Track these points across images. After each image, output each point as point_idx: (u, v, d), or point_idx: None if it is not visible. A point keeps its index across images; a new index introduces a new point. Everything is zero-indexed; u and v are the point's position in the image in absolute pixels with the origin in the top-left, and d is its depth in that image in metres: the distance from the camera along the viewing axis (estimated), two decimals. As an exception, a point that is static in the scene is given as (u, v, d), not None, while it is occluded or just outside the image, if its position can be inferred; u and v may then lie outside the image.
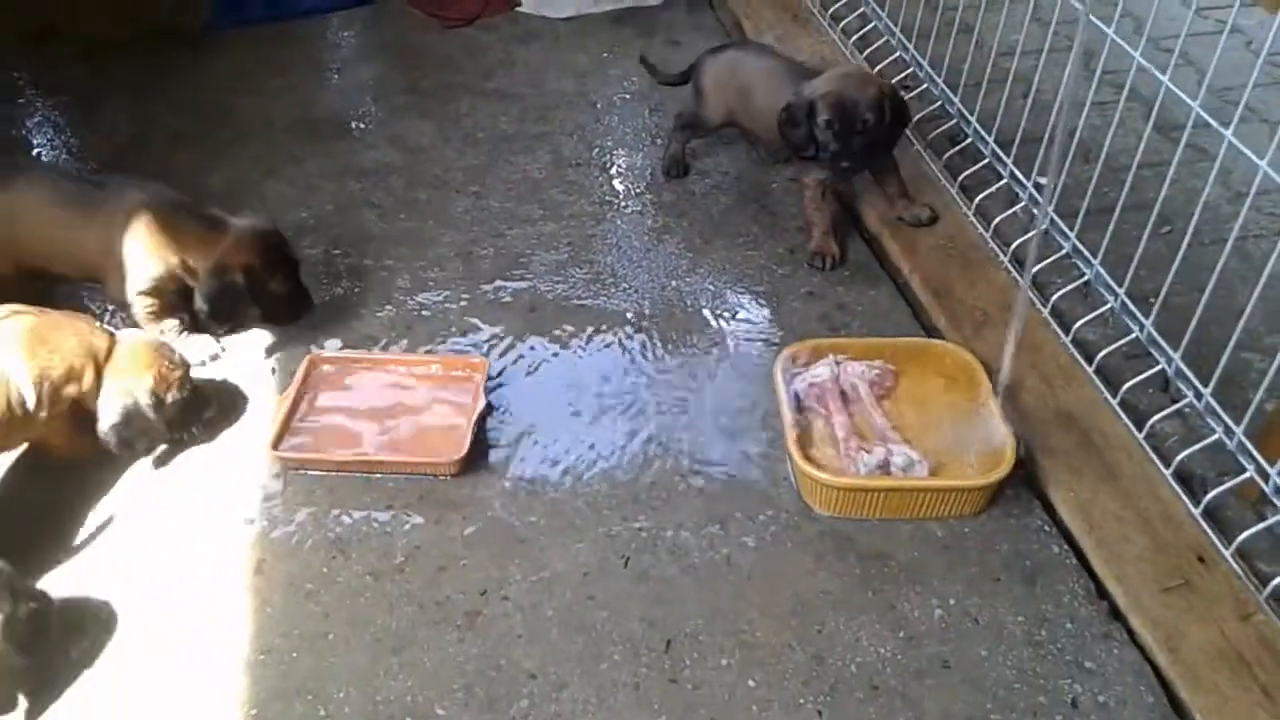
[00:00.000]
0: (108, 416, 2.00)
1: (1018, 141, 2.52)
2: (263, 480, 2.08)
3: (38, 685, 1.73)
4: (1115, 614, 1.82)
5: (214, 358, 2.34)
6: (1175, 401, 2.09)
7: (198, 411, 2.14)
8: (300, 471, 2.09)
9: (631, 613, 1.84)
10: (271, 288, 2.28)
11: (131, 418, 2.01)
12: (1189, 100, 1.93)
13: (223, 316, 2.28)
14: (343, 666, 1.78)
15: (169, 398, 2.05)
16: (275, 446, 2.09)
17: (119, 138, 3.09)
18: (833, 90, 2.39)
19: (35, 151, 3.08)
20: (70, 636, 1.80)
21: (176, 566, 1.93)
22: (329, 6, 3.67)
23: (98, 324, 2.07)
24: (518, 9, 3.65)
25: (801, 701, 1.70)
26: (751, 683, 1.73)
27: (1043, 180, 2.60)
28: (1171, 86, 1.98)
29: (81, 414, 2.00)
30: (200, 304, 2.26)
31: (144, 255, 2.22)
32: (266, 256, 2.26)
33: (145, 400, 2.01)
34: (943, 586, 1.87)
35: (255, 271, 2.24)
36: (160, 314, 2.30)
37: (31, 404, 1.91)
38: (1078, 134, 2.37)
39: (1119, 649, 1.76)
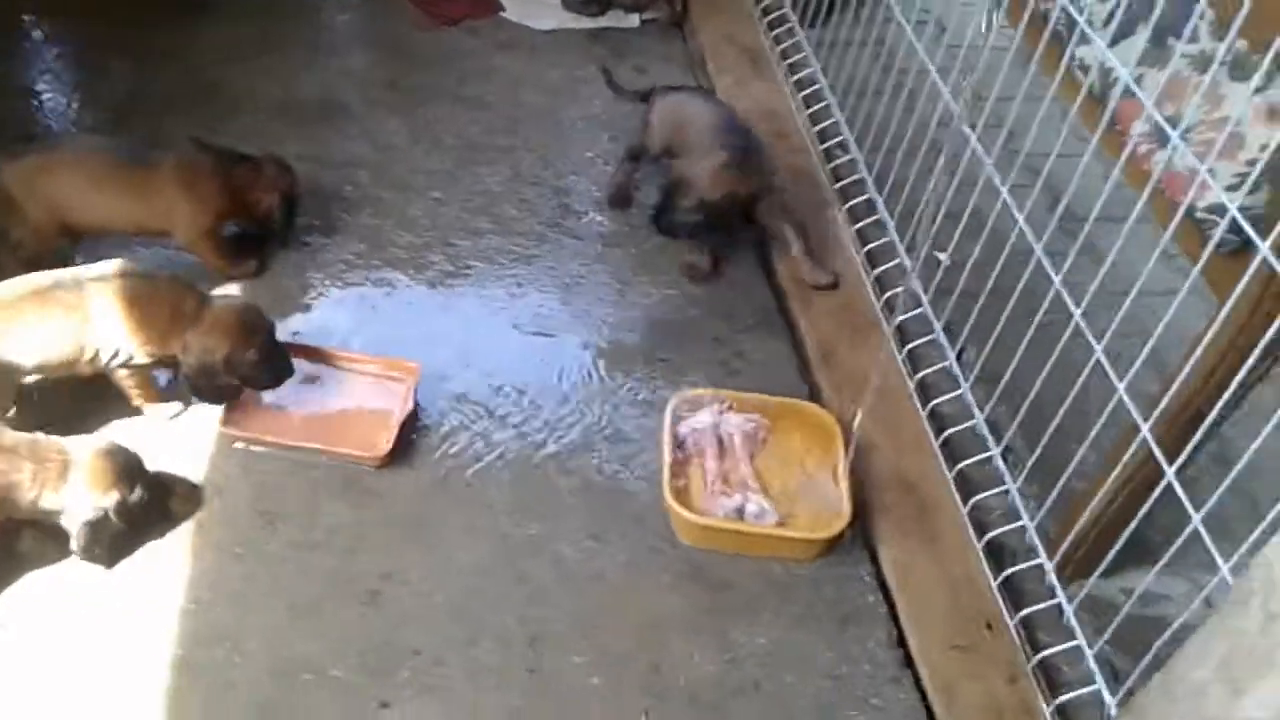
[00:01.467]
0: (185, 367, 2.33)
1: (938, 216, 2.70)
2: (211, 451, 2.39)
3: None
4: (908, 663, 2.17)
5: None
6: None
7: (274, 369, 2.42)
8: (244, 447, 2.40)
9: (509, 609, 2.18)
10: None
11: (207, 372, 2.33)
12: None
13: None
14: (258, 624, 2.11)
15: (246, 357, 2.34)
16: (223, 423, 2.40)
17: (116, 96, 3.34)
18: (676, 174, 2.83)
19: (40, 99, 3.34)
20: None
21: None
22: (328, -14, 3.91)
23: (192, 289, 2.36)
24: (502, 15, 3.90)
25: (631, 703, 2.05)
26: (595, 681, 2.08)
27: (942, 256, 2.95)
28: (1019, 219, 2.30)
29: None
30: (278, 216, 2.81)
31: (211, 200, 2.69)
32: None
33: (219, 360, 2.31)
34: (771, 619, 2.22)
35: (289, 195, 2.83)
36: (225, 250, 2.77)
37: (110, 361, 2.27)
38: (993, 218, 2.48)
39: (904, 694, 2.12)
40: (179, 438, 2.41)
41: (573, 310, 2.84)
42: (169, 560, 2.19)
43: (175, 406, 2.46)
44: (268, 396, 2.49)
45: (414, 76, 3.59)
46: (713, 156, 2.81)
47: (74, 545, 2.08)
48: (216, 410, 2.43)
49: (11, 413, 2.23)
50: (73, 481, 2.05)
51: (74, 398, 2.37)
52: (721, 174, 2.77)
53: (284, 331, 2.66)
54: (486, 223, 3.06)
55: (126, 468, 2.13)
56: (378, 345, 2.66)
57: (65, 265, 2.35)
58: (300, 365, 2.54)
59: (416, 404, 2.51)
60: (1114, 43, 2.14)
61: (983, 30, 2.40)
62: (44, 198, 2.56)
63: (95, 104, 3.33)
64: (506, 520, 2.34)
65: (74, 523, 2.06)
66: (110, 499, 2.08)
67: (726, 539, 2.29)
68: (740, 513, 2.31)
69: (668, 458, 2.37)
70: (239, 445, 2.41)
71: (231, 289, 2.75)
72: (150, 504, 2.18)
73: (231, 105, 3.35)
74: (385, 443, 2.39)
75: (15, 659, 2.02)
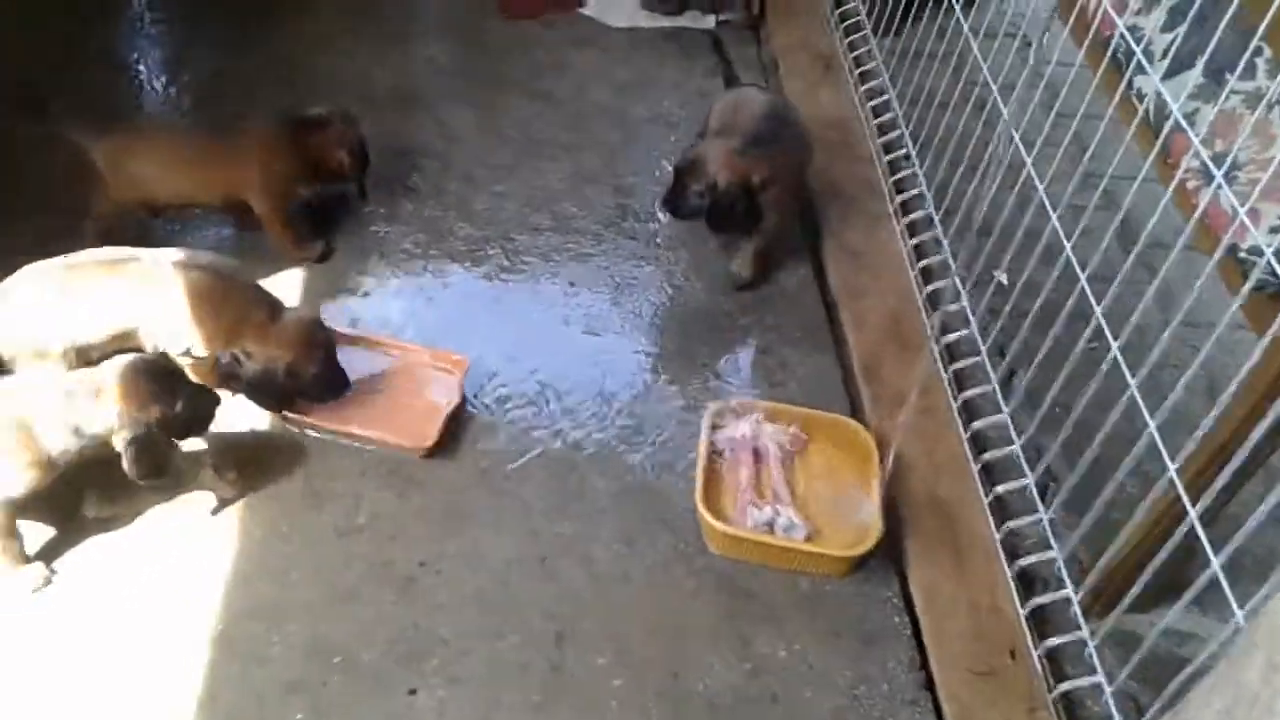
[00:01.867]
0: (247, 372, 2.38)
1: (993, 233, 2.62)
2: (266, 430, 2.49)
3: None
4: (928, 686, 2.19)
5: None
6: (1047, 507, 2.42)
7: (331, 384, 2.47)
8: (297, 430, 2.49)
9: (537, 605, 2.24)
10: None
11: (268, 379, 2.38)
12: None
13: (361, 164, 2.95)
14: (298, 603, 2.19)
15: (308, 370, 2.40)
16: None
17: (200, 74, 3.48)
18: (692, 154, 2.82)
19: (134, 74, 3.48)
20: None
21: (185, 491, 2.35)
22: (413, -24, 3.98)
23: (265, 297, 2.41)
24: (580, 10, 3.94)
25: (650, 707, 2.09)
26: (616, 682, 2.13)
27: (999, 274, 2.93)
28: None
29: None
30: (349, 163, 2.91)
31: (285, 171, 2.82)
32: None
33: (281, 369, 2.38)
34: (793, 632, 2.24)
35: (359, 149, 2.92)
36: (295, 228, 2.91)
37: (170, 347, 2.35)
38: (1045, 234, 2.51)
39: (920, 716, 2.14)
40: (235, 416, 2.50)
41: (623, 311, 2.88)
42: (219, 535, 2.29)
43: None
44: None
45: (489, 68, 3.66)
46: (730, 141, 2.81)
47: (125, 467, 2.11)
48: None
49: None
50: (106, 402, 2.08)
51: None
52: (732, 158, 2.77)
53: (342, 318, 2.76)
54: (546, 219, 3.12)
55: (161, 379, 2.14)
56: (431, 336, 2.73)
57: (142, 240, 2.47)
58: (356, 352, 2.63)
59: (464, 396, 2.58)
60: (1172, 74, 2.11)
61: (1035, 47, 2.36)
62: (128, 174, 2.69)
63: (183, 82, 3.47)
64: (541, 518, 2.40)
65: (120, 443, 2.10)
66: (150, 413, 2.10)
67: (755, 550, 2.32)
68: (770, 525, 2.34)
69: (702, 466, 2.40)
70: (292, 427, 2.50)
71: (297, 276, 2.84)
72: (198, 413, 2.21)
73: (310, 89, 3.43)
74: (431, 434, 2.46)
75: (65, 619, 2.13)
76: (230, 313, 2.36)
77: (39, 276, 2.29)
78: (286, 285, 2.81)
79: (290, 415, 2.49)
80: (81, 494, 2.26)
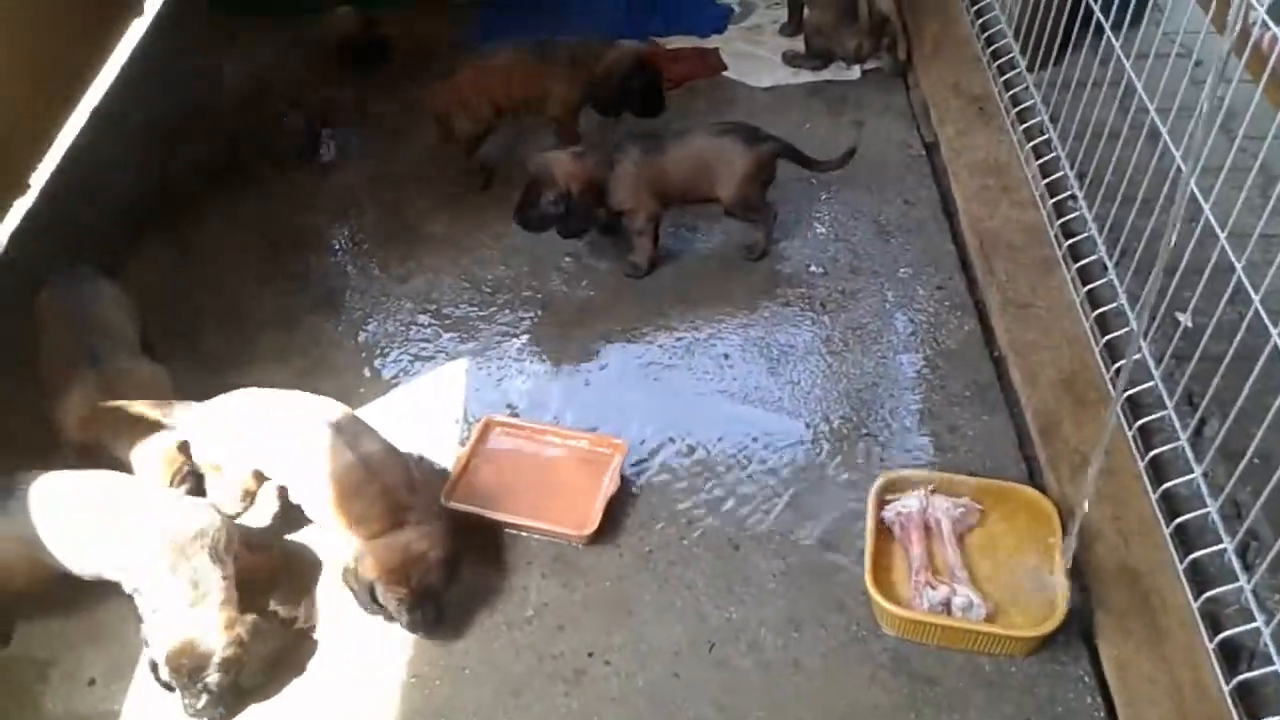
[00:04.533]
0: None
1: (1177, 272, 2.44)
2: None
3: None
4: (1128, 773, 2.04)
5: None
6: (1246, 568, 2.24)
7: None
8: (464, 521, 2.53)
9: (706, 695, 2.20)
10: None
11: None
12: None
13: None
14: (471, 699, 2.23)
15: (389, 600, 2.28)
16: (447, 498, 2.54)
17: (410, 165, 3.66)
18: (538, 164, 3.06)
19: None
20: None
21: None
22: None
23: (393, 499, 2.31)
24: (723, 74, 3.94)
25: (828, 803, 2.03)
26: (791, 776, 2.07)
27: (1181, 317, 2.74)
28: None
29: None
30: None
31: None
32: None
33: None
34: (977, 718, 2.13)
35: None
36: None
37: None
38: (1239, 267, 2.26)
39: (1122, 808, 2.00)
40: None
41: (780, 382, 2.84)
42: (394, 636, 2.34)
43: None
44: (490, 468, 2.63)
45: (638, 143, 3.67)
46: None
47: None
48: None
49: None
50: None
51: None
52: (577, 163, 3.01)
53: (501, 405, 2.80)
54: (699, 292, 3.11)
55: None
56: (589, 419, 2.76)
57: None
58: (517, 442, 2.68)
59: (624, 479, 2.58)
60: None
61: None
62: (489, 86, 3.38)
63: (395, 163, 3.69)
64: (707, 601, 2.36)
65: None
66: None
67: (932, 632, 2.22)
68: (947, 605, 2.24)
69: (871, 544, 2.32)
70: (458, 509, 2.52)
71: (460, 367, 2.90)
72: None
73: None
74: (593, 521, 2.46)
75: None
76: (354, 512, 2.31)
77: (253, 401, 2.44)
78: (449, 376, 2.88)
79: (458, 506, 2.52)
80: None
